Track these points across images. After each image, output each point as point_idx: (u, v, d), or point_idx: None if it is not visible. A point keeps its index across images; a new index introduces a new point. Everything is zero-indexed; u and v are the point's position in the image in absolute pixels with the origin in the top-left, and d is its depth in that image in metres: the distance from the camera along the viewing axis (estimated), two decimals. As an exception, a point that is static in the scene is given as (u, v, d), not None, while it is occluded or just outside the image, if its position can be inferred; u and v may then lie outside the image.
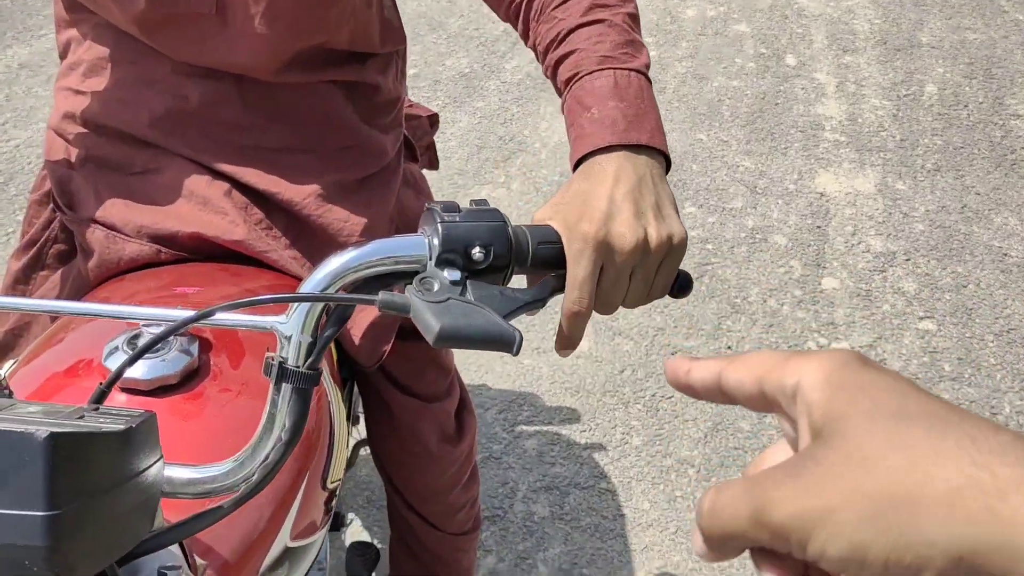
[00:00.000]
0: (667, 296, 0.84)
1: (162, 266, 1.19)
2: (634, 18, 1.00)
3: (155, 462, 0.71)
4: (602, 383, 2.52)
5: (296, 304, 0.74)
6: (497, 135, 3.53)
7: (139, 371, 0.93)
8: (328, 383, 1.03)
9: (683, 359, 0.48)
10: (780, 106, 3.80)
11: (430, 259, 0.75)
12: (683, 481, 2.28)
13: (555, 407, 2.45)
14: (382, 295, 0.72)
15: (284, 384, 0.74)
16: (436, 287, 0.73)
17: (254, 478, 0.75)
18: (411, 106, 1.56)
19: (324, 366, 1.10)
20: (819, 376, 0.40)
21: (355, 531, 2.07)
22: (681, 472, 2.30)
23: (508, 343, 0.71)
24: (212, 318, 0.76)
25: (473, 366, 2.54)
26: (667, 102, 3.78)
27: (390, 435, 1.39)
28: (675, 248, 0.80)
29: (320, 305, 0.74)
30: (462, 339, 0.71)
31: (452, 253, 0.74)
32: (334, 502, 1.02)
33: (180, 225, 1.17)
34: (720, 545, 0.39)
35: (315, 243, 1.24)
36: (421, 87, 3.79)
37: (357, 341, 1.23)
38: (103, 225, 1.19)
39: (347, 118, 1.26)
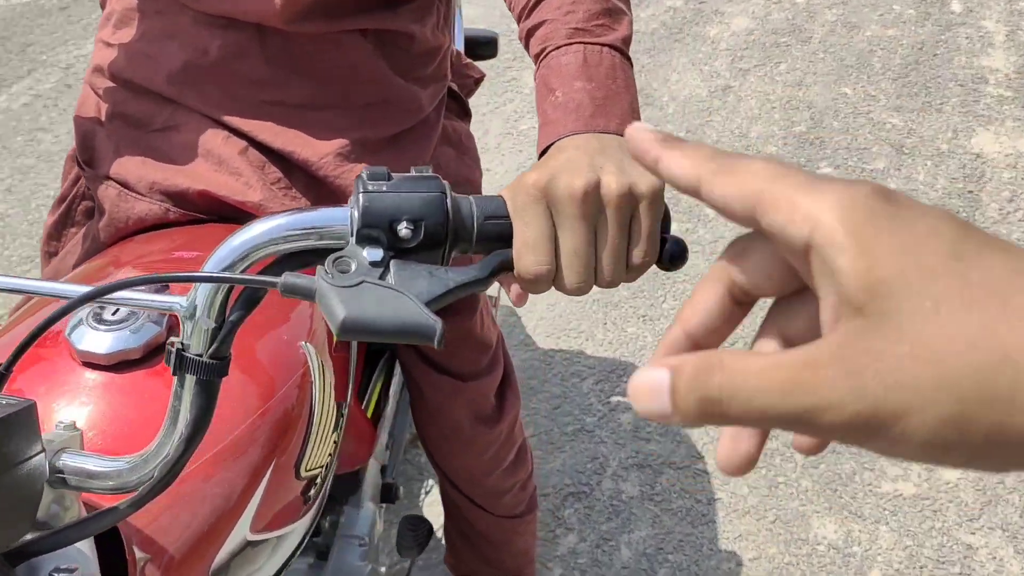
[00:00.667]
0: (659, 268, 0.70)
1: (177, 227, 1.13)
2: None
3: (34, 455, 0.64)
4: (709, 356, 2.36)
5: (197, 283, 0.65)
6: (623, 88, 3.36)
7: (102, 344, 0.86)
8: (314, 361, 0.94)
9: (649, 135, 0.38)
10: (939, 57, 3.47)
11: (352, 235, 0.64)
12: (788, 467, 2.10)
13: (656, 379, 2.30)
14: (285, 277, 0.62)
15: (187, 375, 0.66)
16: (353, 268, 0.62)
17: (155, 475, 0.67)
18: (465, 64, 1.45)
19: (322, 342, 1.02)
20: (841, 232, 0.32)
21: (431, 502, 2.01)
22: (787, 457, 2.12)
23: (427, 335, 0.60)
24: (113, 295, 0.68)
25: (573, 332, 2.42)
26: (811, 52, 3.51)
27: (422, 412, 1.30)
28: (641, 198, 0.66)
29: (226, 285, 0.65)
30: (370, 330, 0.60)
31: (373, 228, 0.63)
32: (313, 491, 0.94)
33: (190, 182, 1.11)
34: (711, 421, 0.33)
35: (337, 205, 1.15)
36: (549, 38, 3.66)
37: (377, 313, 1.14)
38: (117, 182, 1.14)
39: (376, 70, 1.16)
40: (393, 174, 0.65)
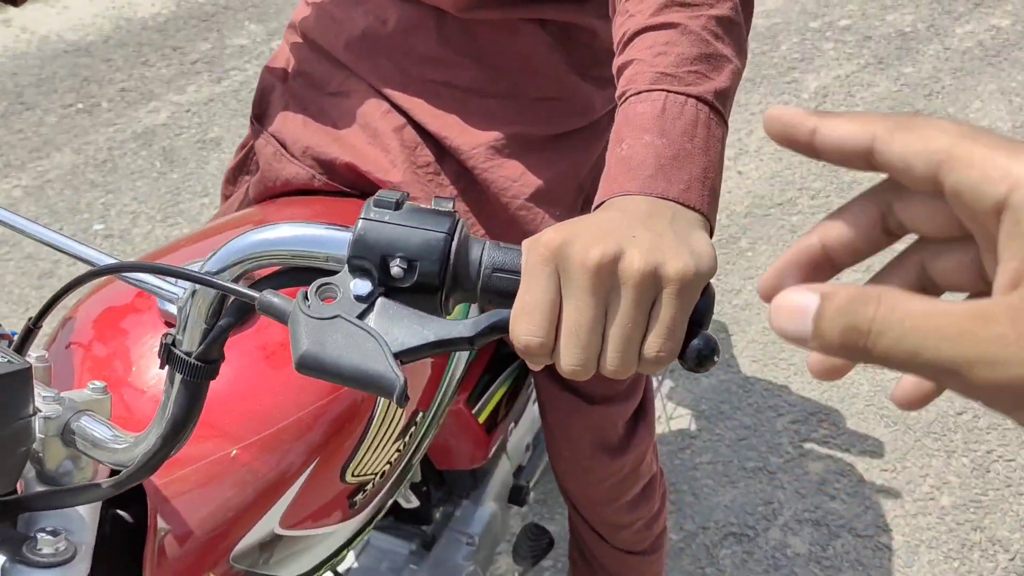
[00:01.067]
0: (681, 365, 0.59)
1: (318, 195, 1.13)
2: (724, 22, 0.73)
3: (23, 417, 0.65)
4: (929, 421, 2.12)
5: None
6: (913, 107, 3.07)
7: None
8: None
9: (796, 109, 0.37)
10: None
11: (347, 262, 0.59)
12: (988, 566, 1.86)
13: (860, 433, 2.10)
14: (264, 295, 0.59)
15: (175, 371, 0.64)
16: (338, 297, 0.58)
17: (136, 462, 0.66)
18: None
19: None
20: None
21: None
22: (989, 554, 1.87)
23: (386, 390, 0.55)
24: (126, 274, 0.67)
25: (783, 363, 2.25)
26: None
27: (546, 426, 1.24)
28: (667, 282, 0.55)
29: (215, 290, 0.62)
30: (327, 372, 0.55)
31: (364, 260, 0.58)
32: (360, 497, 0.91)
33: (339, 152, 1.11)
34: (850, 355, 0.31)
35: (483, 199, 1.11)
36: (847, 42, 3.40)
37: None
38: (276, 140, 1.15)
39: (550, 64, 1.10)
40: (406, 203, 0.59)
